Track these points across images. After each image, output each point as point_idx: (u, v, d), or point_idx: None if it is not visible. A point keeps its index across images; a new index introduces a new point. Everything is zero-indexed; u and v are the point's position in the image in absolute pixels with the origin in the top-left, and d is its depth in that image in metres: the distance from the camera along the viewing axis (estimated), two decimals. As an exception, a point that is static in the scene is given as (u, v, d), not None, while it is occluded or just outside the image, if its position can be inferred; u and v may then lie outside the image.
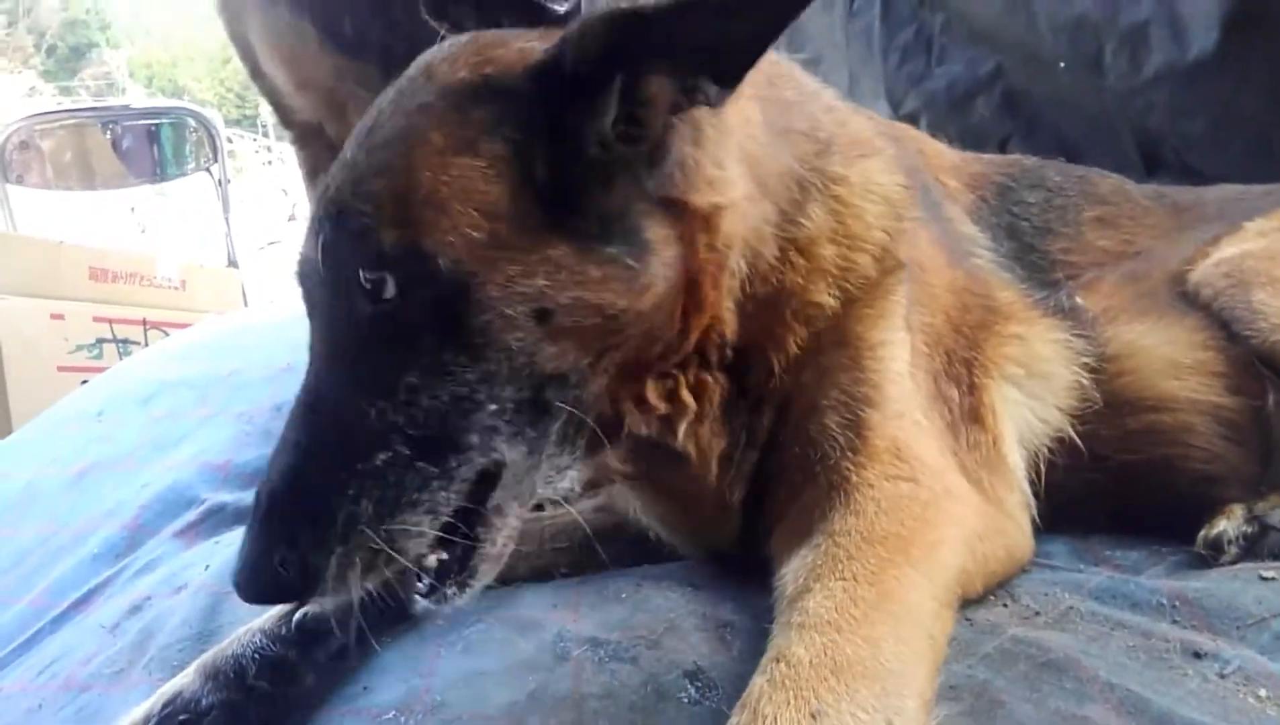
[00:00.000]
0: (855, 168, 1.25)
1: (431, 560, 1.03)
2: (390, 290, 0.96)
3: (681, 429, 1.15)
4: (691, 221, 1.05)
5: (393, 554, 0.97)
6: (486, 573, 1.07)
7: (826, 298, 1.18)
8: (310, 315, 1.06)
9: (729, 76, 1.00)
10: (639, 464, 1.23)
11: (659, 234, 1.03)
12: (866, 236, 1.21)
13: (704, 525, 1.28)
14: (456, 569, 1.04)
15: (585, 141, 0.99)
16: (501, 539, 1.07)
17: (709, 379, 1.16)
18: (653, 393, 1.12)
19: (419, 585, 1.06)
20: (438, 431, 0.98)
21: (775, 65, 1.30)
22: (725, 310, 1.13)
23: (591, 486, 1.32)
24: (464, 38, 1.11)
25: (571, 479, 1.13)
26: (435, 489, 0.98)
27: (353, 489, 0.96)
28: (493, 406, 0.99)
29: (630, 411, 1.12)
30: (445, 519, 1.00)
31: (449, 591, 1.04)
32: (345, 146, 1.08)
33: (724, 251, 1.09)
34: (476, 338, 0.96)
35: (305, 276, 1.06)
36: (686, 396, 1.15)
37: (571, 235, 0.99)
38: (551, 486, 1.11)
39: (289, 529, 0.97)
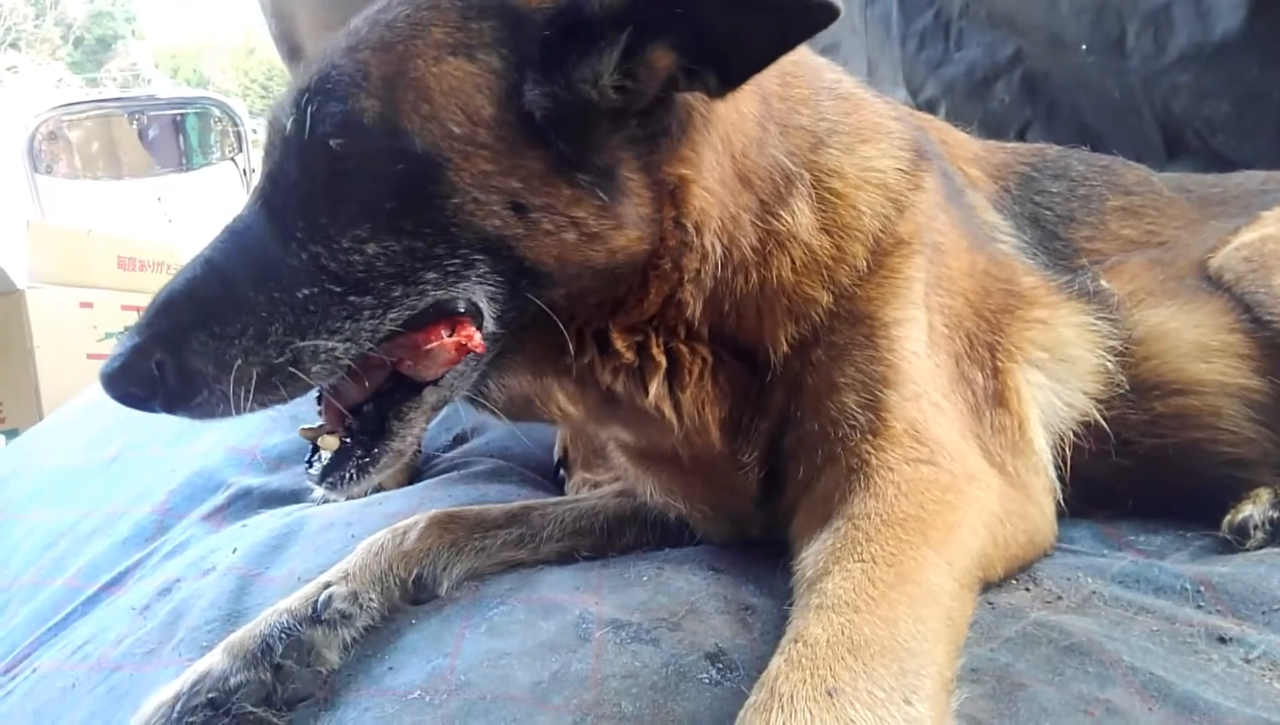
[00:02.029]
0: (854, 156, 1.26)
1: (333, 441, 1.11)
2: (354, 154, 1.04)
3: (653, 388, 1.18)
4: (662, 190, 1.10)
5: (296, 372, 1.02)
6: (386, 464, 1.13)
7: (818, 291, 1.20)
8: (266, 156, 1.12)
9: (733, 76, 1.06)
10: (604, 418, 1.29)
11: (634, 183, 1.09)
12: (858, 225, 1.22)
13: (722, 491, 1.28)
14: (359, 454, 1.11)
15: (581, 78, 1.05)
16: (411, 435, 1.14)
17: (684, 349, 1.19)
18: (619, 340, 1.17)
19: (311, 470, 1.12)
20: (381, 273, 1.03)
21: (795, 65, 1.30)
22: (685, 286, 1.16)
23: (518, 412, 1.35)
24: None
25: (497, 383, 1.21)
26: (365, 319, 1.04)
27: (265, 311, 1.02)
28: (455, 261, 1.04)
29: (593, 354, 1.17)
30: (364, 349, 1.04)
31: (347, 474, 1.10)
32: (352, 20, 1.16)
33: (689, 229, 1.13)
34: (448, 215, 1.03)
35: (274, 119, 1.11)
36: (657, 353, 1.18)
37: (547, 155, 1.06)
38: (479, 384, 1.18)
39: (177, 332, 1.02)
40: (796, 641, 0.90)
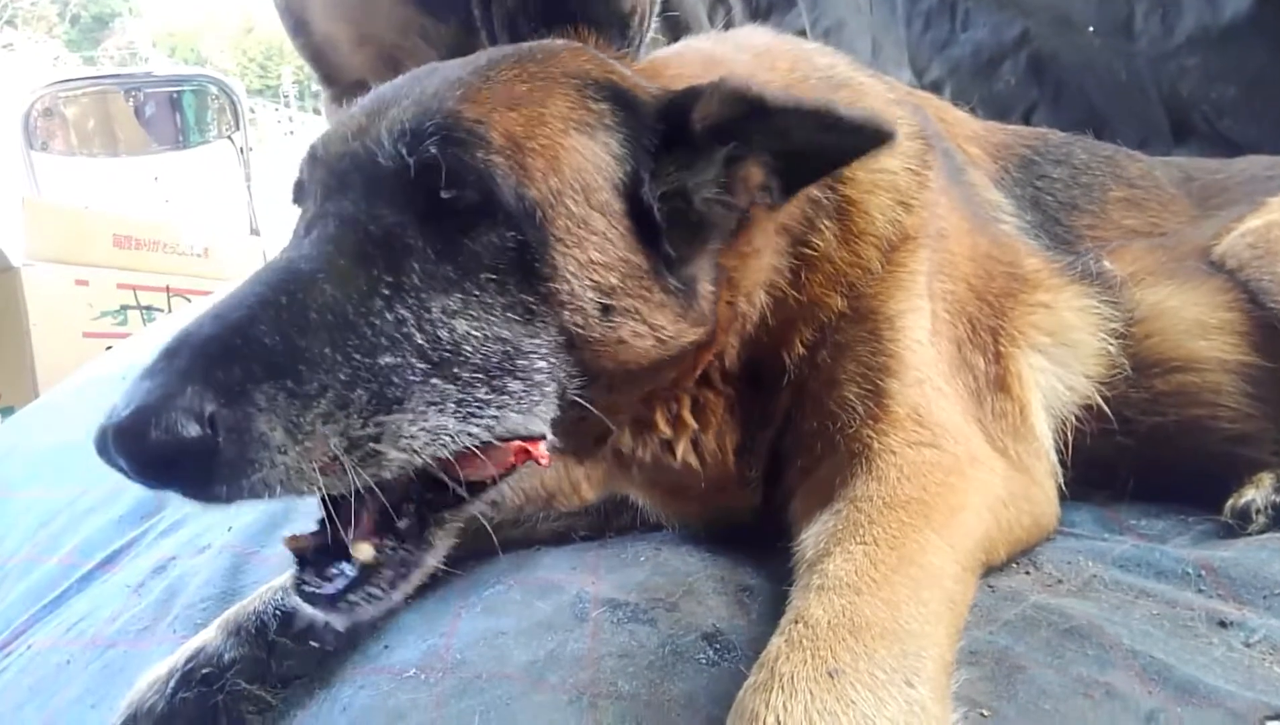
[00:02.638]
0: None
1: (368, 550, 0.92)
2: (465, 211, 0.94)
3: (680, 448, 1.17)
4: (721, 279, 1.10)
5: (379, 450, 0.85)
6: (416, 582, 0.97)
7: (835, 299, 1.20)
8: (332, 191, 0.99)
9: (793, 187, 1.09)
10: (647, 485, 1.26)
11: (706, 287, 1.07)
12: (872, 230, 1.22)
13: (723, 506, 1.28)
14: (393, 571, 0.95)
15: (691, 192, 1.04)
16: (448, 548, 1.00)
17: (711, 396, 1.18)
18: (660, 417, 1.15)
19: (314, 588, 0.92)
20: (468, 359, 0.92)
21: (793, 61, 1.32)
22: (730, 346, 1.16)
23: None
24: (560, 42, 1.15)
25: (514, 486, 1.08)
26: (449, 414, 0.91)
27: (345, 373, 0.85)
28: (540, 365, 0.97)
29: (624, 432, 1.14)
30: (442, 453, 0.90)
31: (375, 592, 0.93)
32: (440, 65, 1.08)
33: (740, 303, 1.14)
34: (540, 297, 0.95)
35: (356, 153, 0.98)
36: (688, 417, 1.17)
37: (650, 255, 1.02)
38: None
39: (238, 379, 0.80)
40: (797, 622, 0.89)
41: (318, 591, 0.91)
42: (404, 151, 0.94)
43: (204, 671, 1.06)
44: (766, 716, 0.79)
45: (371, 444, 0.85)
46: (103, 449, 0.78)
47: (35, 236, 3.77)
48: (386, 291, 0.91)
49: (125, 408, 0.77)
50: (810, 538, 1.05)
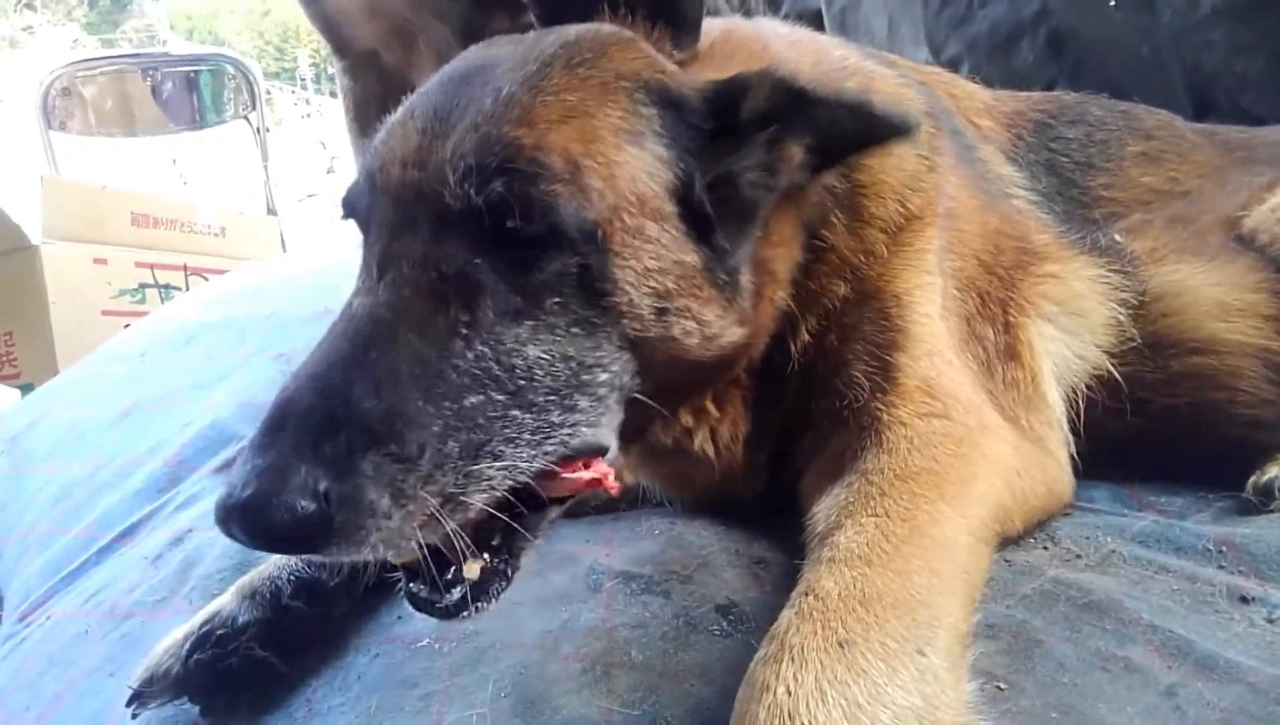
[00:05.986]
0: None
1: (476, 567, 0.94)
2: (531, 240, 0.93)
3: (698, 438, 1.17)
4: (759, 274, 1.10)
5: (466, 501, 0.88)
6: (505, 589, 0.97)
7: (839, 286, 1.20)
8: (398, 230, 0.97)
9: (825, 166, 1.11)
10: (651, 465, 1.27)
11: (747, 279, 1.08)
12: (879, 213, 1.21)
13: (727, 490, 1.27)
14: (499, 578, 0.96)
15: (738, 176, 1.05)
16: (532, 555, 1.01)
17: (731, 387, 1.18)
18: (685, 411, 1.15)
19: (442, 596, 0.93)
20: (540, 383, 0.94)
21: (815, 51, 1.31)
22: (762, 341, 1.16)
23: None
24: (608, 29, 1.13)
25: None
26: (523, 444, 0.92)
27: (438, 426, 0.87)
28: (603, 378, 0.98)
29: (658, 424, 1.14)
30: (519, 480, 0.92)
31: (487, 600, 0.94)
32: (488, 61, 1.06)
33: (777, 296, 1.14)
34: (601, 311, 0.96)
35: (418, 188, 0.97)
36: (710, 407, 1.17)
37: (700, 253, 1.03)
38: None
39: (346, 453, 0.82)
40: (808, 594, 0.88)
41: (438, 603, 0.93)
42: (472, 192, 0.93)
43: (219, 633, 1.06)
44: (777, 688, 0.79)
45: (461, 496, 0.87)
46: (224, 526, 0.81)
47: (54, 215, 3.80)
48: (465, 331, 0.91)
49: (243, 489, 0.79)
50: (821, 511, 1.04)
